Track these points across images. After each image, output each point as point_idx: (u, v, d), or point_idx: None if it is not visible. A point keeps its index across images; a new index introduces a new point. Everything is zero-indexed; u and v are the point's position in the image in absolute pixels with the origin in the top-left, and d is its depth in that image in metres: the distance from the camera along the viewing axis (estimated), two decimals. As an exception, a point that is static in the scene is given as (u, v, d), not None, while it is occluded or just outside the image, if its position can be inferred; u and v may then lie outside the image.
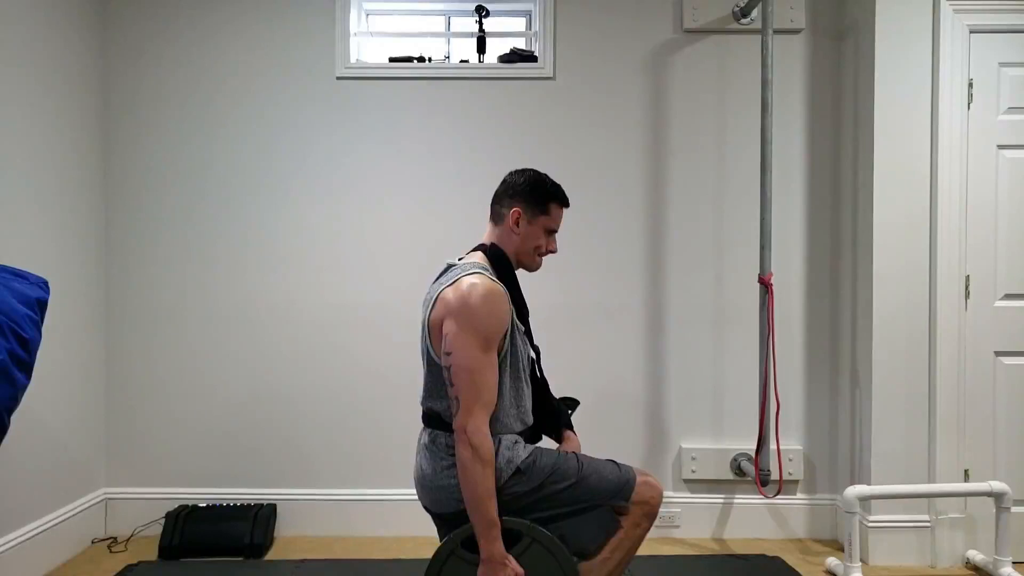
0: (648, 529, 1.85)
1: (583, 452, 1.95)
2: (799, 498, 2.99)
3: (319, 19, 3.00)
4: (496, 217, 1.86)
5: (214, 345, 2.99)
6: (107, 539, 2.91)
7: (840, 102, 2.99)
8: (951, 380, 2.69)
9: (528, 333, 1.87)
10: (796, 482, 2.98)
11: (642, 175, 3.01)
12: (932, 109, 2.70)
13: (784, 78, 2.97)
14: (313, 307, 3.00)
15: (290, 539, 2.94)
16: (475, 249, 1.86)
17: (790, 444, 2.96)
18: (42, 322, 1.76)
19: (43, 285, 1.79)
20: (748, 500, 2.98)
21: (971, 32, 2.70)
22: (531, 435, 1.89)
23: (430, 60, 3.08)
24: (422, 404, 1.84)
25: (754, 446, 2.80)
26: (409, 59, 3.05)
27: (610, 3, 3.00)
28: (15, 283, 1.71)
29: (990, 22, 2.69)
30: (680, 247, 3.01)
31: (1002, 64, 2.71)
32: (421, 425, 1.90)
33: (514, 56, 3.02)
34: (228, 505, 2.90)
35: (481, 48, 3.07)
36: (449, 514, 1.75)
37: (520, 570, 1.67)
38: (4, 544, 2.40)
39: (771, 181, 2.78)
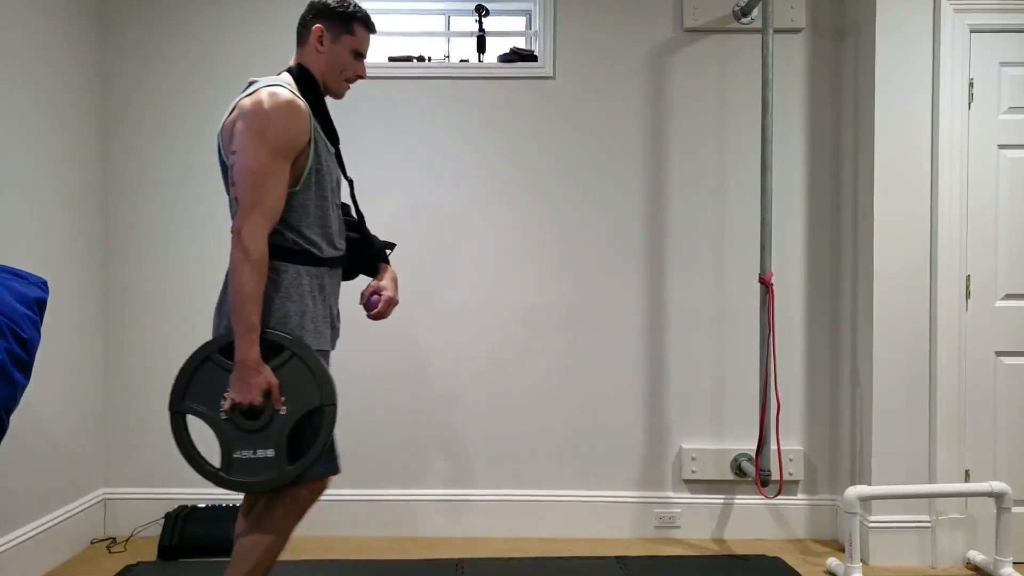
0: (292, 524, 1.86)
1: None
2: (799, 498, 2.99)
3: (319, 19, 2.99)
4: (299, 37, 1.84)
5: (213, 345, 2.99)
6: (106, 539, 2.91)
7: (840, 102, 2.99)
8: (951, 380, 2.69)
9: (339, 159, 1.86)
10: (796, 482, 2.98)
11: (642, 175, 3.01)
12: (932, 109, 2.70)
13: (784, 78, 2.97)
14: (313, 307, 2.99)
15: (290, 539, 2.93)
16: (281, 72, 1.85)
17: (790, 444, 2.96)
18: (41, 322, 1.75)
19: (42, 285, 1.79)
20: (748, 500, 2.97)
21: (972, 32, 2.69)
22: (348, 267, 1.92)
23: (430, 60, 3.07)
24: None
25: (754, 446, 2.80)
26: (409, 59, 3.04)
27: (610, 3, 3.00)
28: (14, 283, 1.71)
29: (991, 22, 2.69)
30: (680, 247, 3.01)
31: (1003, 64, 2.71)
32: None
33: (514, 56, 3.02)
34: (228, 505, 2.90)
35: (481, 48, 3.07)
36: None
37: (274, 380, 1.65)
38: (3, 544, 2.40)
39: (771, 181, 2.78)
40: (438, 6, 3.15)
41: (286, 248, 1.72)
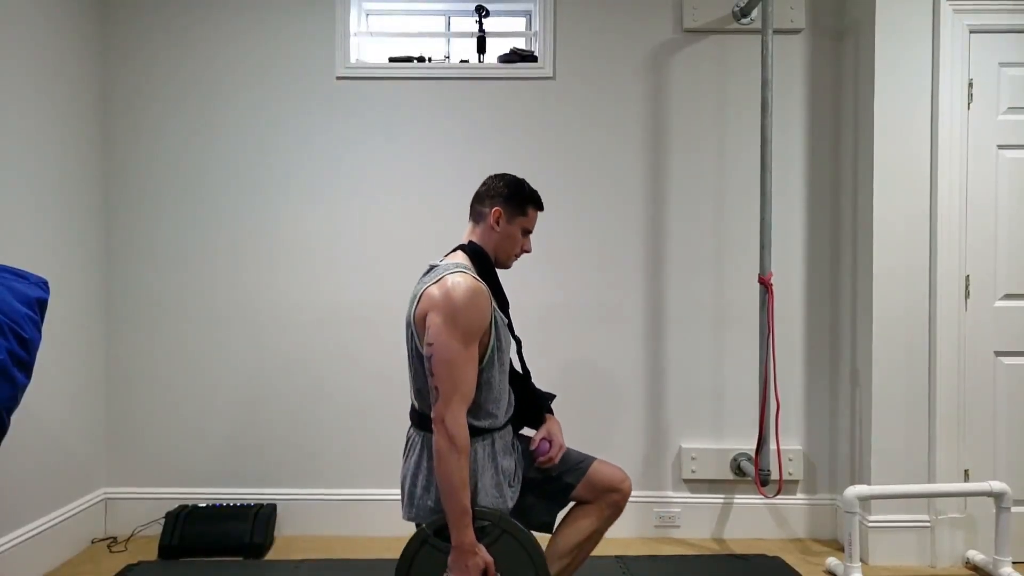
0: (612, 520, 2.00)
1: (566, 443, 2.03)
2: (799, 498, 2.99)
3: (319, 19, 3.00)
4: (477, 216, 1.96)
5: (214, 345, 2.99)
6: (107, 539, 2.91)
7: (840, 102, 2.99)
8: (951, 380, 2.69)
9: (509, 325, 1.94)
10: (796, 482, 2.98)
11: (642, 175, 3.01)
12: (932, 109, 2.70)
13: (784, 78, 2.97)
14: (313, 307, 3.00)
15: (290, 539, 2.94)
16: (456, 249, 1.93)
17: (790, 444, 2.96)
18: (42, 322, 1.75)
19: (43, 285, 1.79)
20: (748, 500, 2.98)
21: (971, 32, 2.70)
22: (515, 422, 1.99)
23: (430, 60, 3.08)
24: (414, 403, 1.89)
25: (754, 446, 2.80)
26: (409, 59, 3.05)
27: (610, 3, 3.00)
28: (15, 283, 1.71)
29: (990, 22, 2.69)
30: (680, 247, 3.01)
31: (1002, 64, 2.71)
32: None
33: (514, 56, 3.02)
34: (228, 505, 2.90)
35: (481, 48, 3.07)
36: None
37: (489, 559, 1.72)
38: (4, 544, 2.40)
39: (771, 181, 2.78)
40: (438, 7, 3.16)
41: (474, 427, 1.78)
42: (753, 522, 2.98)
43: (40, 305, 1.75)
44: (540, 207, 1.98)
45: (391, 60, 3.06)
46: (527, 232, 1.97)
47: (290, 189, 3.00)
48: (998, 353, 2.72)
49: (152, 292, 3.00)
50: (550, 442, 1.99)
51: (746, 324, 2.95)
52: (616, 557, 2.74)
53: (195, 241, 3.00)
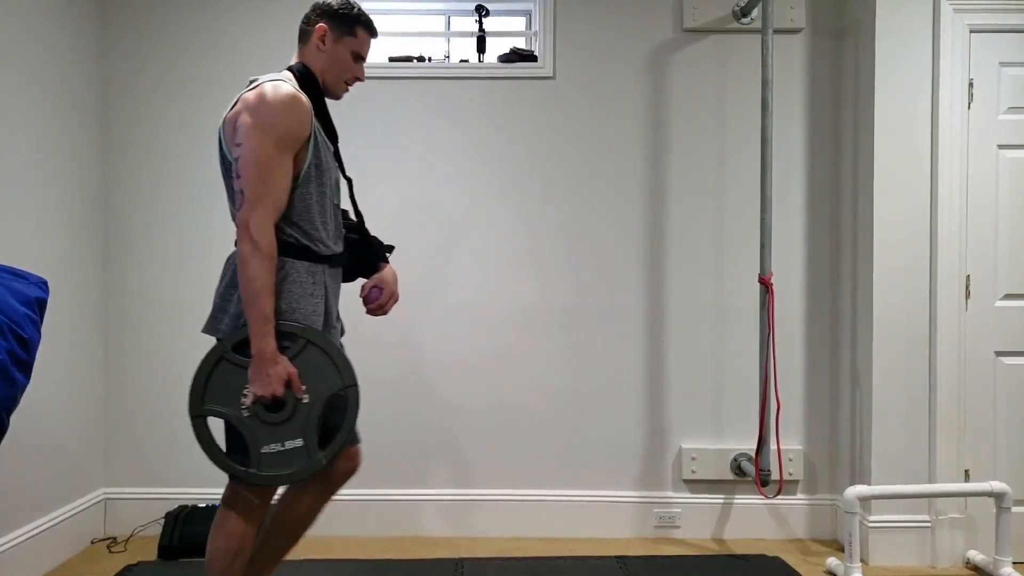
0: (318, 505, 1.87)
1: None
2: (799, 498, 2.99)
3: (319, 19, 2.99)
4: (302, 36, 1.86)
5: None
6: (106, 539, 2.91)
7: (840, 102, 2.99)
8: (951, 380, 2.69)
9: (338, 157, 1.87)
10: (796, 482, 2.98)
11: (642, 174, 3.01)
12: (932, 109, 2.70)
13: (784, 78, 2.97)
14: (313, 307, 2.99)
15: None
16: (284, 70, 1.86)
17: (790, 444, 2.96)
18: (41, 322, 1.75)
19: (43, 285, 1.79)
20: (748, 500, 2.97)
21: (971, 32, 2.70)
22: (348, 269, 1.93)
23: (430, 60, 3.08)
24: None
25: (754, 446, 2.80)
26: (409, 59, 3.04)
27: (610, 3, 3.00)
28: (15, 283, 1.71)
29: (990, 22, 2.69)
30: (680, 246, 3.01)
31: (1002, 64, 2.71)
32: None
33: (514, 56, 3.02)
34: (228, 505, 2.90)
35: (481, 48, 3.07)
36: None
37: (293, 369, 1.66)
38: (3, 544, 2.40)
39: (771, 181, 2.78)
40: (438, 6, 3.16)
41: (287, 243, 1.73)
42: (753, 522, 2.98)
43: (40, 305, 1.75)
44: (373, 32, 1.88)
45: (391, 60, 3.06)
46: (359, 58, 1.86)
47: (290, 189, 2.99)
48: (998, 353, 2.71)
49: (152, 292, 2.99)
50: (381, 290, 1.93)
51: (746, 324, 2.95)
52: (616, 557, 2.74)
53: (195, 241, 2.99)
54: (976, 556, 2.67)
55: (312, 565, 2.66)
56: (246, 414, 1.67)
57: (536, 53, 3.03)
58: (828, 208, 3.00)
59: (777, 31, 2.87)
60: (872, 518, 2.72)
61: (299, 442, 1.68)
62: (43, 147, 2.62)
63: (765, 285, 2.75)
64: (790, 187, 3.00)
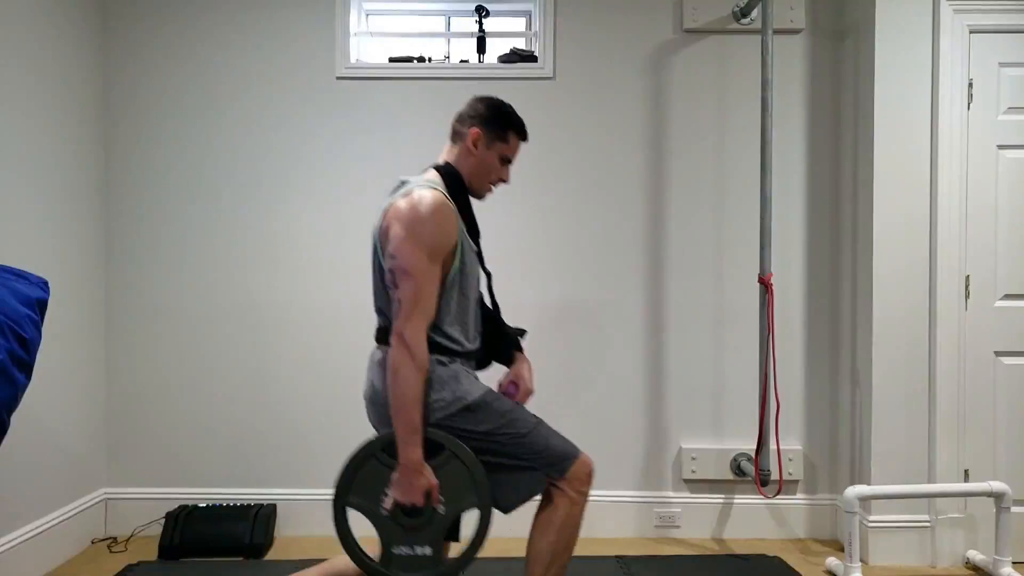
0: (584, 506, 1.84)
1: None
2: (799, 498, 2.99)
3: (319, 19, 3.00)
4: (455, 136, 1.88)
5: (214, 345, 2.99)
6: (107, 539, 2.91)
7: (840, 102, 2.99)
8: (951, 380, 2.69)
9: (479, 255, 1.87)
10: (796, 482, 2.98)
11: (642, 175, 3.01)
12: (932, 109, 2.70)
13: (784, 78, 2.97)
14: (313, 307, 2.99)
15: (290, 539, 2.94)
16: (430, 167, 1.87)
17: (790, 444, 2.96)
18: (42, 322, 1.76)
19: (43, 285, 1.79)
20: (748, 500, 2.98)
21: (971, 32, 2.70)
22: (481, 359, 1.92)
23: (430, 60, 3.08)
24: (379, 324, 1.86)
25: (754, 446, 2.80)
26: (409, 59, 3.05)
27: (610, 3, 3.00)
28: (15, 283, 1.71)
29: (990, 22, 2.69)
30: (680, 247, 3.01)
31: (1002, 64, 2.71)
32: None
33: (514, 56, 3.03)
34: (228, 505, 2.90)
35: (481, 48, 3.07)
36: None
37: (434, 481, 1.68)
38: (4, 544, 2.40)
39: (771, 181, 2.78)
40: (438, 7, 3.16)
41: (433, 342, 1.74)
42: (753, 522, 2.98)
43: (40, 305, 1.75)
44: (523, 136, 1.89)
45: (391, 60, 3.06)
46: (507, 161, 1.88)
47: (290, 189, 3.00)
48: (998, 353, 2.72)
49: (152, 292, 2.99)
50: (517, 385, 1.93)
51: (746, 324, 2.95)
52: (616, 557, 2.74)
53: (195, 241, 3.00)
54: (976, 556, 2.67)
55: (312, 565, 2.65)
56: (384, 513, 1.71)
57: (536, 53, 3.04)
58: (828, 208, 3.00)
59: (777, 31, 2.88)
60: (872, 518, 2.72)
61: (428, 551, 1.71)
62: (44, 148, 2.62)
63: (765, 285, 2.75)
64: (790, 187, 3.00)
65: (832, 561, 2.64)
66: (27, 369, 1.67)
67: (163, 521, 2.82)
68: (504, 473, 1.78)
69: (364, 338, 2.99)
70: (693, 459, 2.98)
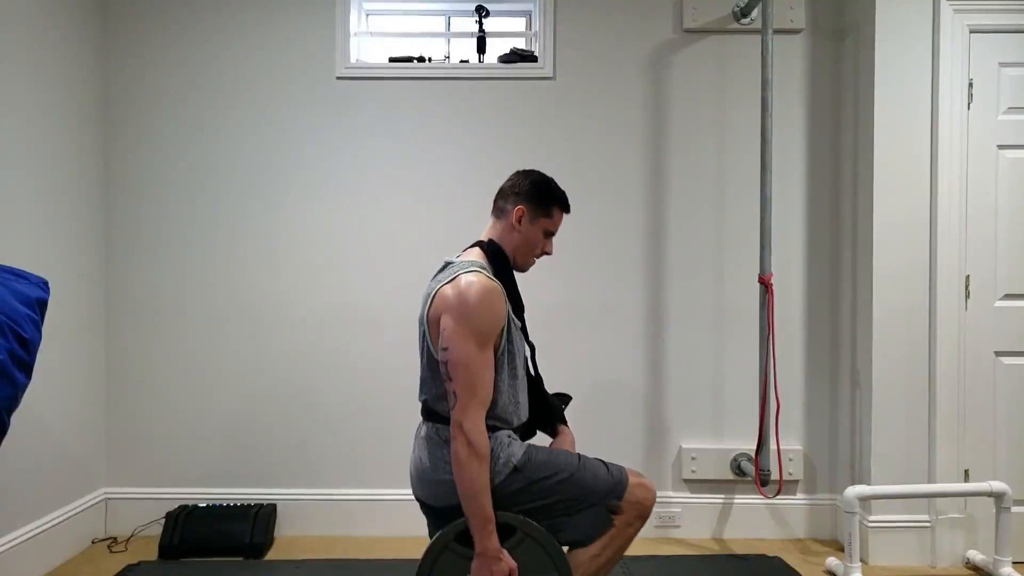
0: (639, 529, 1.87)
1: (577, 449, 1.97)
2: (799, 498, 2.99)
3: (319, 19, 3.00)
4: (499, 213, 1.88)
5: (214, 345, 2.99)
6: (107, 539, 2.91)
7: (840, 102, 2.99)
8: (951, 380, 2.69)
9: (523, 329, 1.89)
10: (796, 482, 2.98)
11: (642, 175, 3.01)
12: (932, 109, 2.70)
13: (784, 78, 2.97)
14: (313, 307, 3.00)
15: (290, 539, 2.94)
16: (473, 245, 1.88)
17: (790, 444, 2.96)
18: (42, 322, 1.76)
19: (43, 285, 1.79)
20: (748, 500, 2.98)
21: (971, 32, 2.70)
22: (526, 430, 1.91)
23: (430, 60, 3.08)
24: (420, 399, 1.87)
25: (754, 446, 2.80)
26: (409, 59, 3.05)
27: (610, 3, 3.00)
28: (15, 283, 1.71)
29: (990, 22, 2.69)
30: (680, 247, 3.01)
31: (1002, 64, 2.71)
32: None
33: (514, 56, 3.02)
34: (228, 505, 2.90)
35: (481, 48, 3.07)
36: (446, 508, 1.77)
37: (513, 564, 1.69)
38: (4, 544, 2.40)
39: (771, 181, 2.78)
40: (438, 7, 3.16)
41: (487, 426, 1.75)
42: (753, 522, 2.98)
43: (40, 305, 1.76)
44: (567, 209, 1.90)
45: (391, 60, 3.06)
46: (550, 234, 1.89)
47: (290, 189, 3.00)
48: (998, 353, 2.72)
49: (152, 292, 3.00)
50: None
51: (746, 324, 2.95)
52: (616, 557, 2.74)
53: (195, 241, 3.00)
54: (976, 556, 2.67)
55: (318, 565, 2.66)
56: None
57: (536, 53, 3.04)
58: (828, 208, 3.00)
59: (777, 31, 2.88)
60: (872, 518, 2.72)
61: None
62: (44, 148, 2.62)
63: (765, 285, 2.75)
64: (790, 187, 3.00)
65: (832, 561, 2.64)
66: (27, 369, 1.67)
67: (163, 521, 2.82)
68: (567, 517, 1.80)
69: (364, 338, 3.00)
70: (693, 459, 2.98)
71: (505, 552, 1.68)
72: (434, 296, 1.75)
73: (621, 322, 3.00)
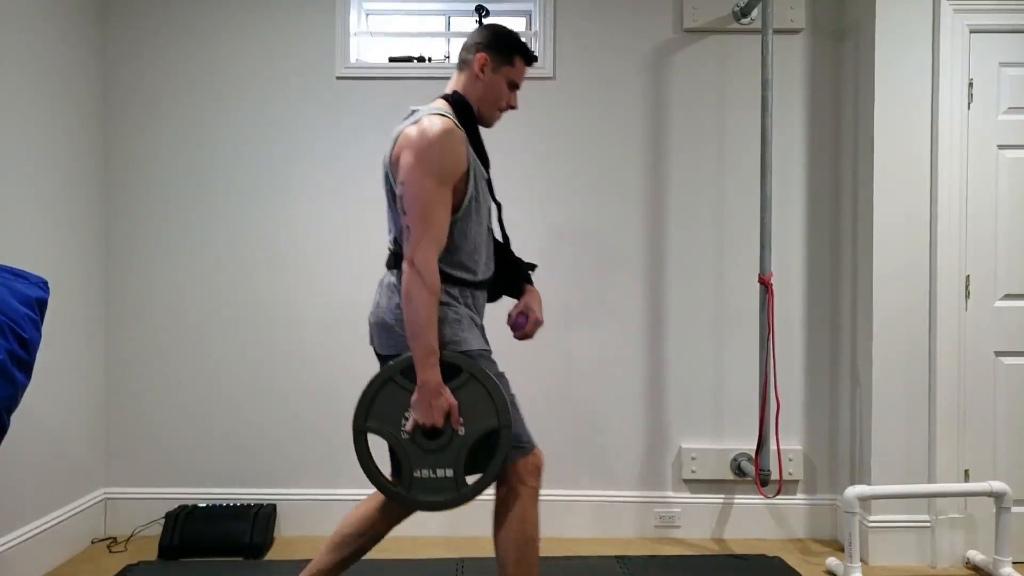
0: (536, 500, 1.83)
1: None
2: (799, 498, 2.99)
3: (319, 19, 3.00)
4: (462, 64, 1.88)
5: (214, 345, 2.99)
6: (107, 539, 2.91)
7: (840, 102, 2.99)
8: (951, 380, 2.69)
9: (490, 185, 1.89)
10: (796, 482, 2.98)
11: (642, 175, 3.01)
12: (932, 109, 2.70)
13: (784, 78, 2.97)
14: (313, 307, 2.99)
15: (290, 539, 2.94)
16: (439, 98, 1.88)
17: (790, 444, 2.96)
18: (42, 322, 1.76)
19: (43, 285, 1.79)
20: (748, 500, 2.98)
21: (971, 32, 2.70)
22: (493, 291, 1.95)
23: (430, 60, 3.08)
24: (388, 247, 1.87)
25: (754, 446, 2.80)
26: (409, 59, 3.05)
27: (610, 3, 3.00)
28: (15, 283, 1.71)
29: (990, 22, 2.69)
30: (680, 247, 3.01)
31: (1002, 64, 2.71)
32: None
33: (514, 56, 3.02)
34: (228, 505, 2.90)
35: (481, 48, 3.07)
36: (392, 357, 1.78)
37: (453, 401, 1.70)
38: (4, 544, 2.40)
39: (771, 181, 2.78)
40: (438, 7, 3.16)
41: (447, 274, 1.76)
42: (753, 522, 2.98)
43: (40, 305, 1.76)
44: (528, 58, 1.88)
45: (391, 60, 3.06)
46: (514, 86, 1.88)
47: (290, 189, 3.00)
48: (998, 353, 2.72)
49: (152, 292, 2.99)
50: (527, 316, 1.94)
51: (746, 324, 2.95)
52: (616, 557, 2.74)
53: (195, 241, 3.00)
54: (976, 556, 2.67)
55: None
56: (405, 437, 1.73)
57: (536, 53, 3.03)
58: (828, 208, 3.00)
59: (777, 31, 2.88)
60: (872, 518, 2.72)
61: (449, 472, 1.73)
62: (44, 148, 2.62)
63: (765, 285, 2.75)
64: (790, 187, 3.00)
65: (832, 561, 2.64)
66: (27, 369, 1.67)
67: (163, 521, 2.82)
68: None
69: (364, 337, 2.99)
70: (693, 459, 2.98)
71: (446, 388, 1.69)
72: (397, 136, 1.76)
73: (621, 322, 3.00)
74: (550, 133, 3.00)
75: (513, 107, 1.93)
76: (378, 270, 2.98)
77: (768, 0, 2.71)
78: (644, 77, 3.01)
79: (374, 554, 2.78)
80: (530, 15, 3.18)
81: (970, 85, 2.71)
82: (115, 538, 2.91)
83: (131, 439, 3.00)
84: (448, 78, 2.96)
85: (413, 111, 1.82)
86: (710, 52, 3.00)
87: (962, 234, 2.70)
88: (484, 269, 1.86)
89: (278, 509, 2.95)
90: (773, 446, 2.75)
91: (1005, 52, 2.71)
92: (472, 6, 3.06)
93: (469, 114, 1.84)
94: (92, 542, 2.88)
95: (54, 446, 2.67)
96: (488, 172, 1.88)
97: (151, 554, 2.75)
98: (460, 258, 1.78)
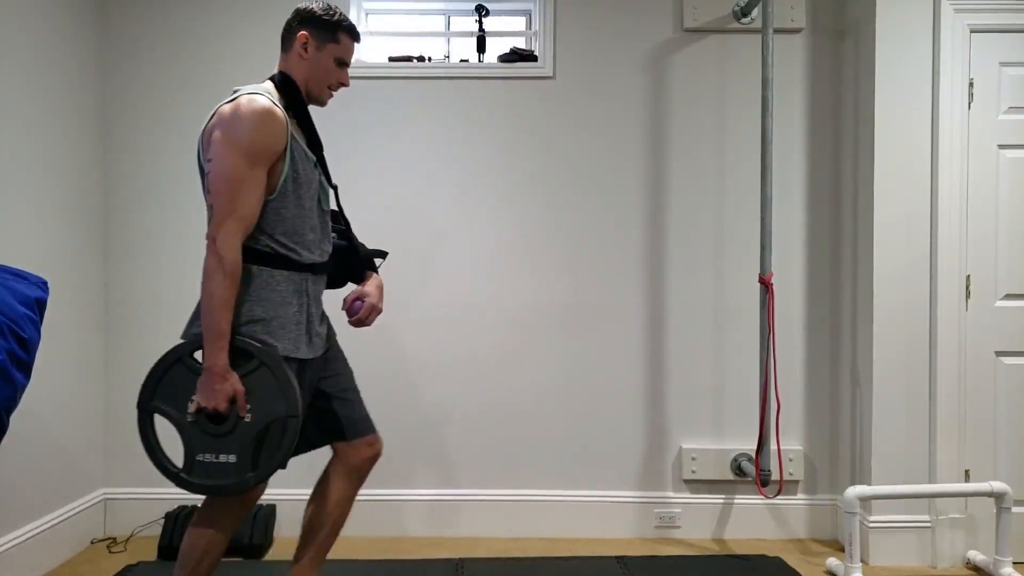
0: (351, 489, 2.06)
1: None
2: (799, 498, 2.99)
3: (319, 19, 2.99)
4: (285, 43, 1.85)
5: (214, 345, 2.99)
6: (106, 539, 2.91)
7: (840, 102, 2.99)
8: (951, 380, 2.69)
9: (323, 166, 1.87)
10: (796, 482, 2.98)
11: (642, 175, 3.01)
12: (932, 109, 2.70)
13: (784, 78, 2.97)
14: (313, 307, 2.99)
15: (290, 539, 2.93)
16: (265, 80, 1.86)
17: (790, 444, 2.96)
18: (41, 322, 1.75)
19: (42, 285, 1.79)
20: (748, 500, 2.97)
21: (972, 32, 2.70)
22: (332, 278, 1.93)
23: (430, 60, 3.07)
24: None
25: (754, 446, 2.80)
26: (409, 59, 3.04)
27: (610, 2, 3.00)
28: (15, 283, 1.71)
29: (991, 22, 2.69)
30: (680, 247, 3.01)
31: (1003, 64, 2.71)
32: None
33: (514, 56, 3.02)
34: (228, 505, 2.90)
35: (481, 48, 3.07)
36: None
37: (240, 388, 1.66)
38: (3, 544, 2.40)
39: (771, 181, 2.78)
40: (438, 6, 3.15)
41: (260, 252, 1.72)
42: (753, 522, 2.98)
43: (39, 305, 1.75)
44: (356, 37, 1.86)
45: (391, 60, 3.06)
46: (342, 63, 1.85)
47: (290, 189, 2.99)
48: (999, 353, 2.71)
49: (151, 291, 2.99)
50: (362, 302, 1.91)
51: (746, 324, 2.95)
52: (616, 557, 2.74)
53: (195, 241, 2.99)
54: (976, 556, 2.67)
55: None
56: (189, 419, 1.70)
57: (536, 53, 3.03)
58: (828, 208, 3.00)
59: (777, 31, 2.88)
60: (872, 518, 2.72)
61: (232, 458, 1.70)
62: (43, 147, 2.61)
63: (765, 285, 2.75)
64: (790, 187, 3.00)
65: (832, 561, 2.64)
66: (26, 369, 1.67)
67: (162, 521, 2.82)
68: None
69: (364, 337, 3.00)
70: (693, 459, 2.98)
71: (234, 374, 1.65)
72: (212, 114, 1.72)
73: (621, 322, 3.00)
74: (550, 132, 3.00)
75: (344, 84, 1.89)
76: (378, 269, 2.99)
77: (768, 0, 2.71)
78: (644, 77, 3.01)
79: (374, 554, 2.79)
80: (530, 15, 3.18)
81: (970, 85, 2.70)
82: (115, 538, 2.91)
83: (130, 439, 2.99)
84: (448, 78, 3.01)
85: (235, 91, 1.77)
86: (710, 52, 3.00)
87: (962, 234, 2.70)
88: (313, 250, 1.80)
89: (278, 509, 2.95)
90: (773, 446, 2.75)
91: (1005, 52, 2.71)
92: (472, 5, 3.06)
93: (296, 94, 1.81)
94: (91, 542, 2.88)
95: (53, 446, 2.67)
96: (320, 153, 1.85)
97: (151, 554, 2.75)
98: (280, 238, 1.73)
